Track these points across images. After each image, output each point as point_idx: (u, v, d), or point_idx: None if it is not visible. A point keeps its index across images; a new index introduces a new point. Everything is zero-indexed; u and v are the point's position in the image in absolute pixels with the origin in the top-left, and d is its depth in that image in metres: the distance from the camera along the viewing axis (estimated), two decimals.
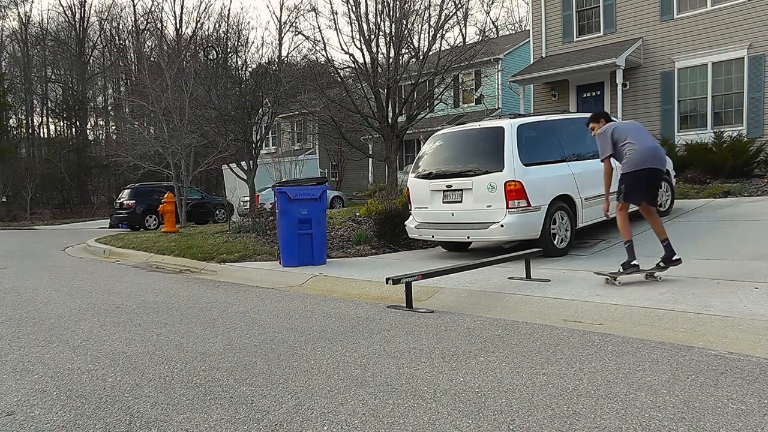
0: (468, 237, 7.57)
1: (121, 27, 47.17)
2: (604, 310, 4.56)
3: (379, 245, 9.42)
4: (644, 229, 8.36)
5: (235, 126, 19.55)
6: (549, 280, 5.70)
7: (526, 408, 2.82)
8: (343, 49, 40.00)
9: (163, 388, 3.38)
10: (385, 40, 17.01)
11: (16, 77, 43.91)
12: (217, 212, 21.84)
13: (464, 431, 2.60)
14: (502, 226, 7.03)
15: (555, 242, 7.31)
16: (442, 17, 17.03)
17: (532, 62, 18.05)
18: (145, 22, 45.82)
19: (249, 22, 72.78)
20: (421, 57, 17.84)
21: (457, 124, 9.54)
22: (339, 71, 19.09)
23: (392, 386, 3.22)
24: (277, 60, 25.98)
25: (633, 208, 5.73)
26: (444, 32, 17.50)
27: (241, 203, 21.74)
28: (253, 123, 20.38)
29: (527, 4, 18.84)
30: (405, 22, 16.82)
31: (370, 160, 24.64)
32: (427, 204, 7.95)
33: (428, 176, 7.97)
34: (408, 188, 8.40)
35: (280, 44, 31.85)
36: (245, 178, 19.85)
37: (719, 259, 6.16)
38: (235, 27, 29.65)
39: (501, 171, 7.08)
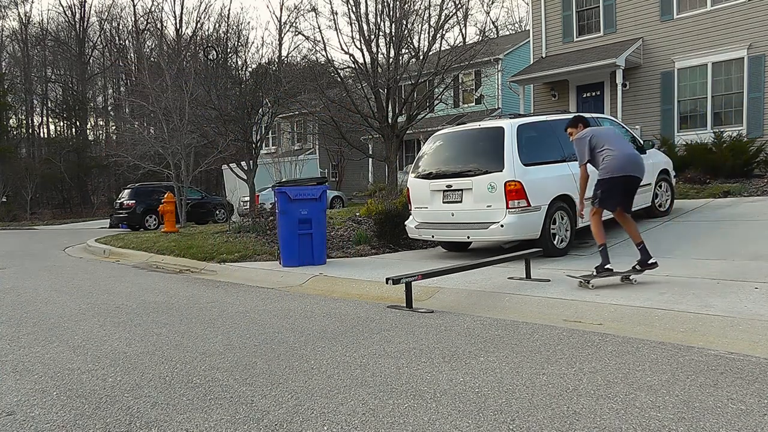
0: (468, 237, 7.57)
1: (121, 27, 47.24)
2: (604, 310, 4.56)
3: (379, 245, 9.42)
4: (641, 232, 8.36)
5: (235, 126, 19.56)
6: (549, 280, 5.70)
7: (526, 408, 2.82)
8: (343, 50, 40.09)
9: (163, 388, 3.38)
10: (385, 40, 17.02)
11: (16, 77, 43.93)
12: (217, 212, 21.84)
13: (464, 431, 2.61)
14: (502, 226, 7.03)
15: (555, 242, 7.31)
16: (442, 17, 17.04)
17: (532, 62, 18.05)
18: (145, 22, 45.88)
19: (249, 23, 72.88)
20: (421, 57, 17.84)
21: (457, 124, 9.54)
22: (339, 71, 19.10)
23: (392, 386, 3.22)
24: (277, 60, 25.99)
25: (607, 215, 5.71)
26: (444, 32, 17.52)
27: (241, 203, 21.74)
28: (253, 123, 20.38)
29: (527, 4, 18.85)
30: (405, 22, 16.83)
31: (370, 160, 24.64)
32: (427, 204, 7.95)
33: (428, 176, 7.97)
34: (408, 188, 8.41)
35: (280, 44, 31.87)
36: (245, 178, 19.85)
37: (719, 259, 6.16)
38: (235, 27, 29.65)
39: (501, 171, 7.08)
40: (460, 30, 22.64)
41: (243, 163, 20.01)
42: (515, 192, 6.98)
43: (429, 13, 17.54)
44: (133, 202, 20.47)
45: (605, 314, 4.49)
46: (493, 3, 31.95)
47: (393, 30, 16.77)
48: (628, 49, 15.11)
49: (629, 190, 5.46)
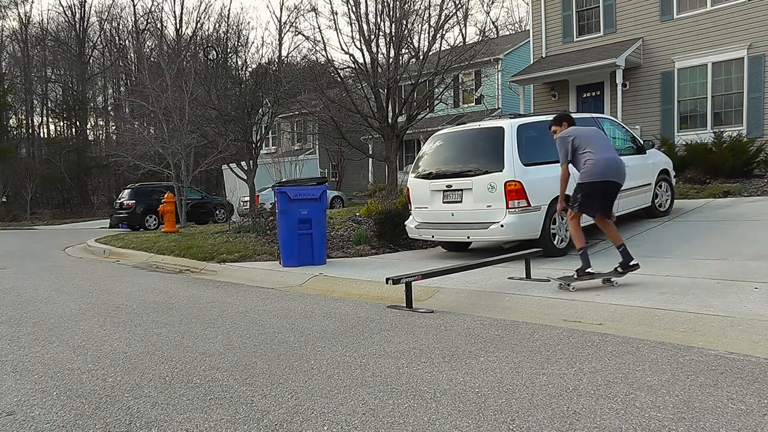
0: (468, 237, 7.56)
1: (121, 27, 47.24)
2: (604, 310, 4.56)
3: (379, 245, 9.42)
4: (638, 233, 8.39)
5: (235, 126, 19.56)
6: (549, 280, 5.70)
7: (526, 408, 2.82)
8: (343, 50, 40.09)
9: (163, 388, 3.38)
10: (385, 40, 17.02)
11: (16, 77, 43.93)
12: (217, 212, 21.84)
13: (464, 431, 2.61)
14: (502, 226, 7.03)
15: (555, 242, 7.31)
16: (442, 17, 17.04)
17: (532, 62, 18.05)
18: (145, 22, 45.89)
19: (249, 23, 72.90)
20: (421, 57, 17.84)
21: (457, 124, 9.54)
22: (339, 71, 19.10)
23: (392, 386, 3.22)
24: (277, 60, 25.98)
25: (588, 221, 5.70)
26: (444, 32, 17.52)
27: (241, 203, 21.74)
28: (253, 123, 20.38)
29: (527, 4, 18.85)
30: (405, 22, 16.83)
31: (370, 160, 24.64)
32: (427, 204, 7.95)
33: (428, 176, 7.97)
34: (408, 188, 8.40)
35: (280, 44, 31.85)
36: (245, 178, 19.86)
37: (719, 259, 6.16)
38: (235, 27, 29.65)
39: (501, 171, 7.08)
40: (460, 30, 22.67)
41: (243, 163, 20.01)
42: (515, 192, 6.98)
43: (429, 13, 17.57)
44: (133, 202, 20.48)
45: (605, 314, 4.49)
46: (493, 3, 32.00)
47: (393, 30, 16.78)
48: (628, 49, 15.11)
49: (609, 195, 5.40)
